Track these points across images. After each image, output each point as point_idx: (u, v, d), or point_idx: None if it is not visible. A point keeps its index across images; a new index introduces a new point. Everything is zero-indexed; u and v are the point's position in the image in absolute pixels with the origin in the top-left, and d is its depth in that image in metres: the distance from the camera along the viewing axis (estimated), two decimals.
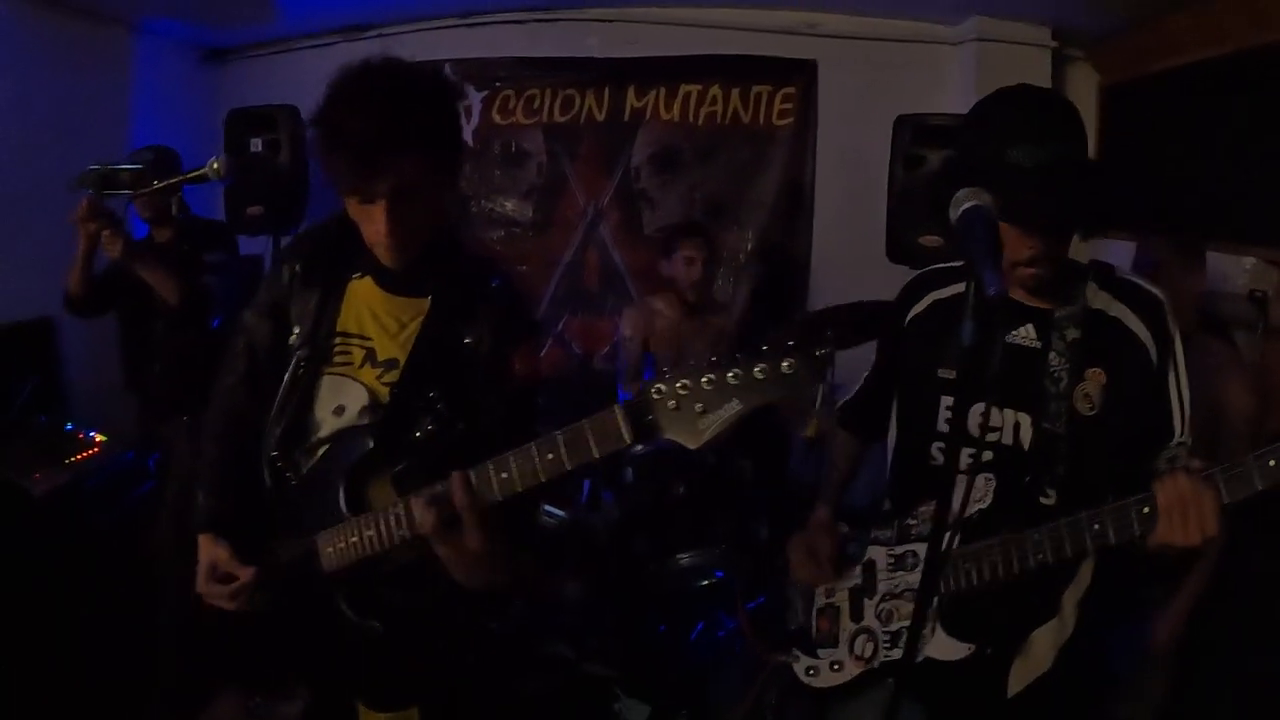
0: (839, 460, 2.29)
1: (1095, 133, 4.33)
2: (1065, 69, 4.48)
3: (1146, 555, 1.57)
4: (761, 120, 4.73)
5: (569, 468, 1.41)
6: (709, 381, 1.28)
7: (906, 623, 1.88)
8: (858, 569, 2.03)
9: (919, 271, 2.09)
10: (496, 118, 4.98)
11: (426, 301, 1.75)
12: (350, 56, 1.58)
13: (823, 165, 4.74)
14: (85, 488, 3.58)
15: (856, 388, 2.24)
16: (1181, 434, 1.77)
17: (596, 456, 1.38)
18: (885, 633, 1.95)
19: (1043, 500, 1.78)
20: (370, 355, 1.76)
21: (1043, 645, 1.86)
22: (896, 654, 1.91)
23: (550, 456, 1.42)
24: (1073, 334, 1.76)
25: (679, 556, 3.35)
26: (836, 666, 2.01)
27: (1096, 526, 1.59)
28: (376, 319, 1.77)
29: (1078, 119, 1.67)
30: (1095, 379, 1.75)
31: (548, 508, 3.54)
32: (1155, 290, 1.81)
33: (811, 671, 2.05)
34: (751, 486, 3.70)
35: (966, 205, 1.27)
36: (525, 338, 1.78)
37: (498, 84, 4.94)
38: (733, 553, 3.34)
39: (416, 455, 1.67)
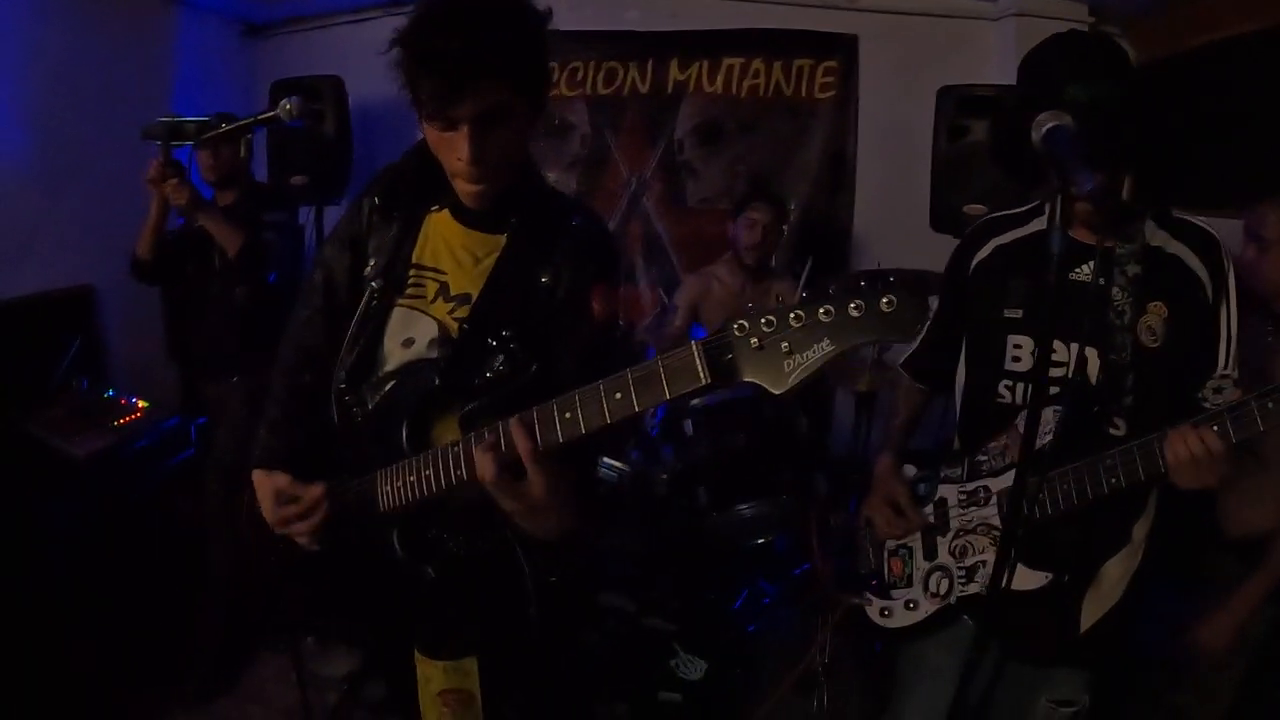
0: (903, 408, 2.33)
1: None
2: None
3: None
4: (804, 93, 4.72)
5: (638, 409, 1.30)
6: (797, 318, 1.17)
7: (982, 557, 1.95)
8: (929, 508, 2.07)
9: (979, 219, 2.15)
10: None
11: (503, 238, 1.71)
12: (391, 31, 1.53)
13: (864, 138, 4.73)
14: (128, 451, 3.54)
15: (919, 338, 2.24)
16: (1226, 366, 1.80)
17: (668, 397, 1.26)
18: (960, 569, 1.98)
19: (1112, 431, 1.82)
20: (444, 289, 1.72)
21: (1114, 575, 1.90)
22: (974, 589, 1.95)
23: (619, 396, 1.31)
24: (1134, 269, 1.81)
25: (740, 507, 3.31)
26: (912, 605, 2.06)
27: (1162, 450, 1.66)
28: (452, 253, 1.74)
29: (1128, 59, 1.74)
30: (1157, 312, 1.80)
31: (606, 460, 3.48)
32: (1208, 226, 1.85)
33: (886, 613, 2.10)
34: (806, 439, 3.65)
35: (1050, 125, 1.35)
36: (604, 278, 1.70)
37: None
38: (793, 504, 3.29)
39: (486, 395, 1.60)
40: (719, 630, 3.24)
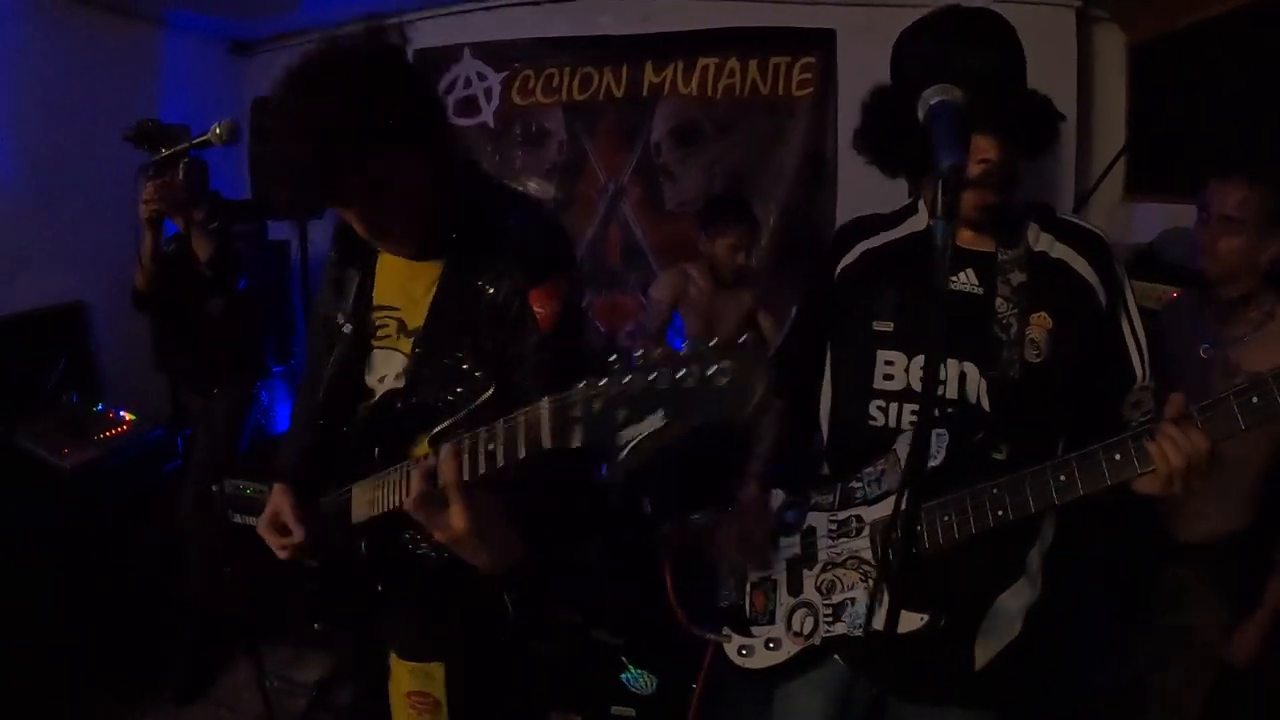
0: (766, 427, 2.13)
1: (1125, 93, 4.26)
2: (1091, 29, 4.37)
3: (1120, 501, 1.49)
4: (781, 91, 4.66)
5: (501, 463, 1.27)
6: (634, 381, 1.07)
7: (851, 594, 1.77)
8: (796, 537, 1.90)
9: (844, 223, 2.00)
10: (516, 98, 5.01)
11: (443, 262, 1.72)
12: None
13: (844, 135, 4.57)
14: (114, 463, 3.67)
15: (777, 344, 2.11)
16: (1144, 377, 1.69)
17: (522, 456, 1.23)
18: (827, 606, 1.81)
19: (995, 455, 1.68)
20: (401, 325, 1.79)
21: (1010, 609, 1.75)
22: (840, 628, 1.76)
23: (490, 449, 1.29)
24: (1018, 278, 1.68)
25: (694, 516, 3.29)
26: (773, 644, 1.88)
27: (1062, 477, 1.49)
28: (402, 288, 1.79)
29: (1014, 32, 1.58)
30: (1041, 324, 1.67)
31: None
32: (1096, 229, 1.74)
33: (744, 651, 1.92)
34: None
35: (937, 99, 1.18)
36: (545, 275, 1.64)
37: (517, 65, 4.97)
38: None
39: (451, 415, 1.57)
40: (668, 644, 3.20)
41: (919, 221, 1.85)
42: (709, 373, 1.03)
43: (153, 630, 3.43)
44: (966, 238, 1.72)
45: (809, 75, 4.62)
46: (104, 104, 4.23)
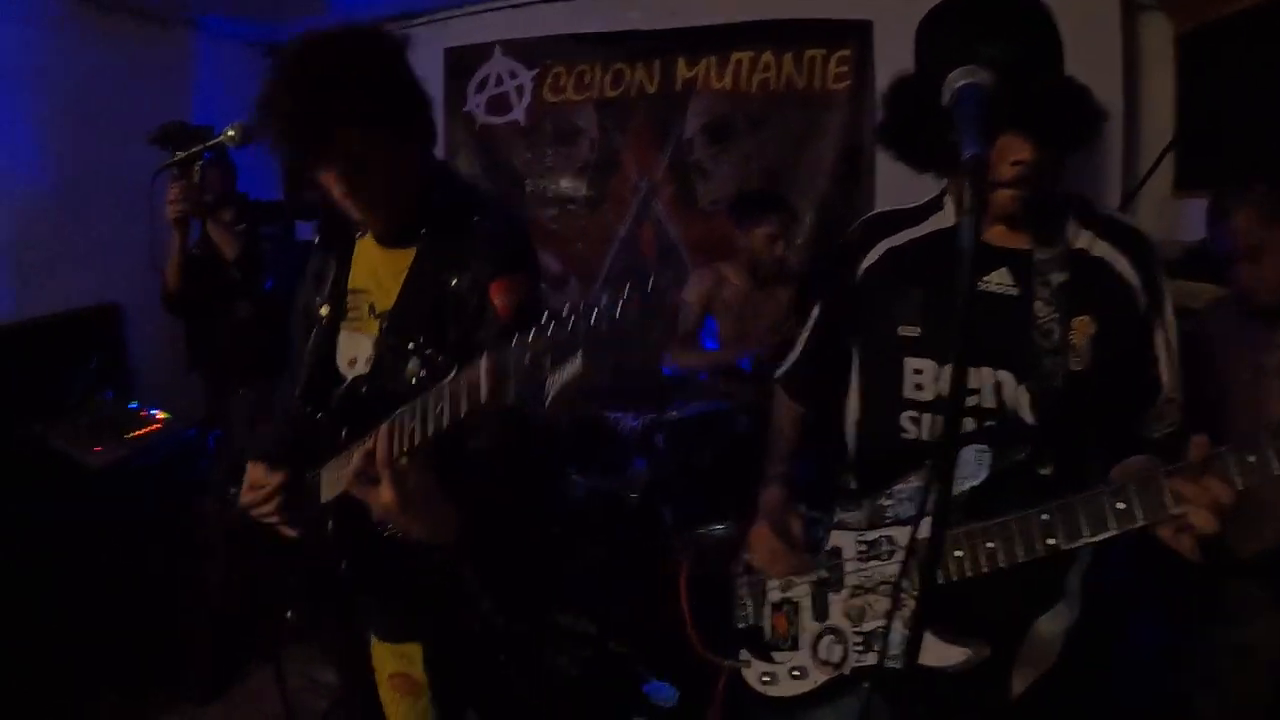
0: (786, 431, 2.03)
1: (1173, 85, 4.10)
2: (1137, 18, 4.21)
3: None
4: (816, 85, 4.54)
5: (446, 424, 1.36)
6: (556, 329, 1.16)
7: (884, 622, 1.66)
8: (822, 556, 1.79)
9: (864, 218, 1.87)
10: (548, 96, 4.99)
11: (414, 251, 1.81)
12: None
13: None
14: (145, 462, 3.70)
15: (797, 350, 2.00)
16: (1169, 389, 1.58)
17: (464, 412, 1.32)
18: (856, 634, 1.71)
19: (1041, 472, 1.58)
20: (371, 308, 1.87)
21: (1047, 634, 1.65)
22: (871, 659, 1.67)
23: (438, 410, 1.37)
24: (1058, 278, 1.56)
25: (710, 528, 3.23)
26: (798, 673, 1.78)
27: (1121, 505, 1.36)
28: (375, 273, 1.88)
29: (1051, 15, 1.46)
30: (1083, 329, 1.55)
31: (576, 475, 3.50)
32: (1138, 225, 1.62)
33: (767, 679, 1.83)
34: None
35: (963, 83, 1.10)
36: (505, 271, 1.69)
37: (548, 62, 4.95)
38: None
39: (410, 400, 1.63)
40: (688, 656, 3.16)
41: (946, 217, 1.72)
42: (615, 312, 1.11)
43: (176, 629, 3.44)
44: (999, 234, 1.60)
45: (845, 68, 4.49)
46: (138, 108, 4.27)
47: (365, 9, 4.69)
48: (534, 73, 4.98)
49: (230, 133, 2.94)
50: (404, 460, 1.48)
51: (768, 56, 4.59)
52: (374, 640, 1.93)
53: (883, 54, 4.46)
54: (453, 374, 1.35)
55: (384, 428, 1.48)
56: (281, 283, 3.69)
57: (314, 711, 3.26)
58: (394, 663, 1.89)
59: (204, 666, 3.45)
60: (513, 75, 5.01)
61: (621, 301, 1.12)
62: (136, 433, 3.83)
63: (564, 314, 1.17)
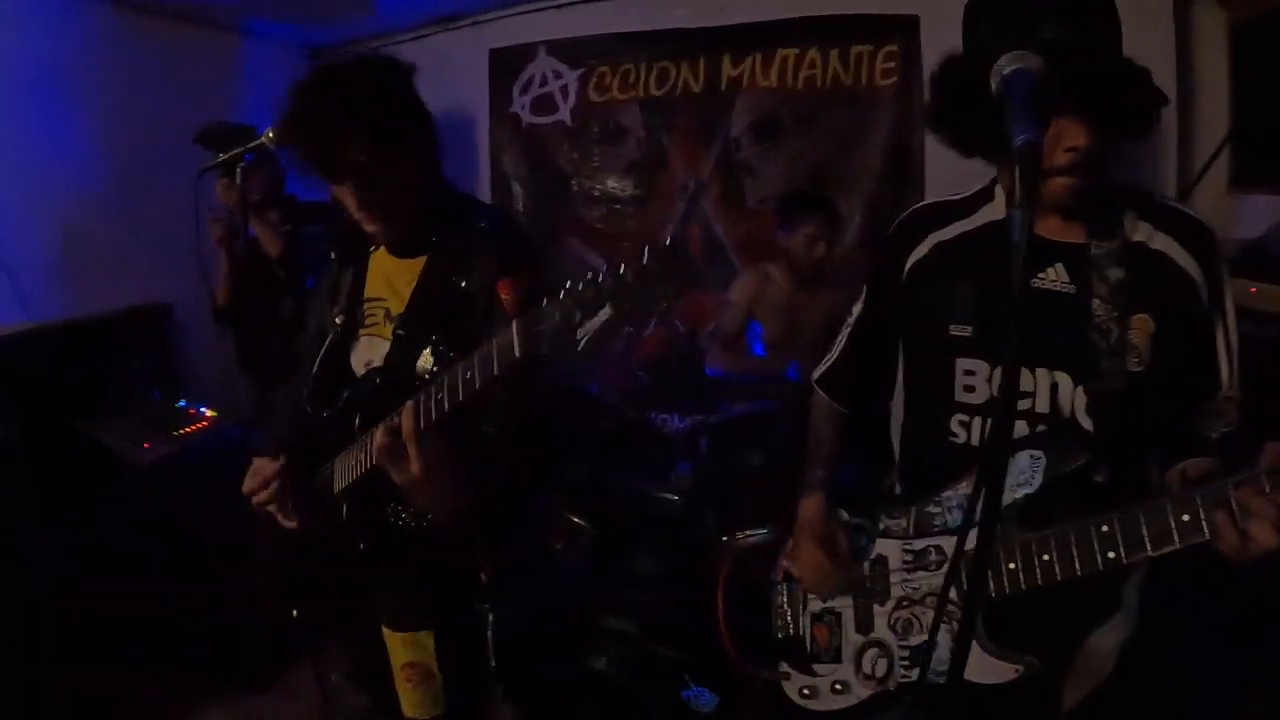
0: (827, 434, 1.93)
1: (1228, 76, 3.99)
2: (1190, 10, 4.09)
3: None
4: (863, 82, 4.46)
5: (478, 386, 1.47)
6: (585, 286, 1.30)
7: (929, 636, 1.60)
8: (864, 566, 1.72)
9: (911, 209, 1.80)
10: (593, 95, 4.97)
11: (424, 258, 1.97)
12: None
13: None
14: (192, 458, 3.74)
15: (838, 347, 1.93)
16: (1228, 386, 1.50)
17: (496, 372, 1.42)
18: (903, 648, 1.65)
19: (1096, 479, 1.51)
20: (387, 313, 2.01)
21: (1102, 647, 1.58)
22: (918, 674, 1.61)
23: (468, 376, 1.48)
24: (1116, 274, 1.49)
25: (748, 533, 3.18)
26: (840, 688, 1.72)
27: (1186, 518, 1.28)
28: (389, 281, 2.03)
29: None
30: (1142, 327, 1.48)
31: (613, 475, 3.48)
32: (1198, 215, 1.53)
33: (807, 693, 1.76)
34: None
35: (1013, 69, 1.03)
36: (513, 270, 1.75)
37: (593, 62, 4.93)
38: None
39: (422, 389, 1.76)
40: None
41: (996, 209, 1.65)
42: (641, 263, 1.26)
43: (222, 621, 3.46)
44: (1054, 228, 1.54)
45: (892, 64, 4.40)
46: (186, 112, 4.34)
47: (410, 12, 4.77)
48: (579, 73, 4.96)
49: (270, 134, 2.97)
50: (427, 434, 1.59)
51: (813, 54, 4.52)
52: (386, 632, 2.00)
53: (930, 49, 4.36)
54: (486, 342, 1.45)
55: (409, 403, 1.59)
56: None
57: (355, 706, 3.26)
58: (406, 652, 1.97)
59: (248, 658, 3.46)
60: (557, 75, 5.00)
61: (644, 255, 1.26)
62: (184, 430, 3.88)
63: (589, 275, 1.30)
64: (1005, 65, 1.04)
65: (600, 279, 1.28)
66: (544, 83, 5.04)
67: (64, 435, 3.69)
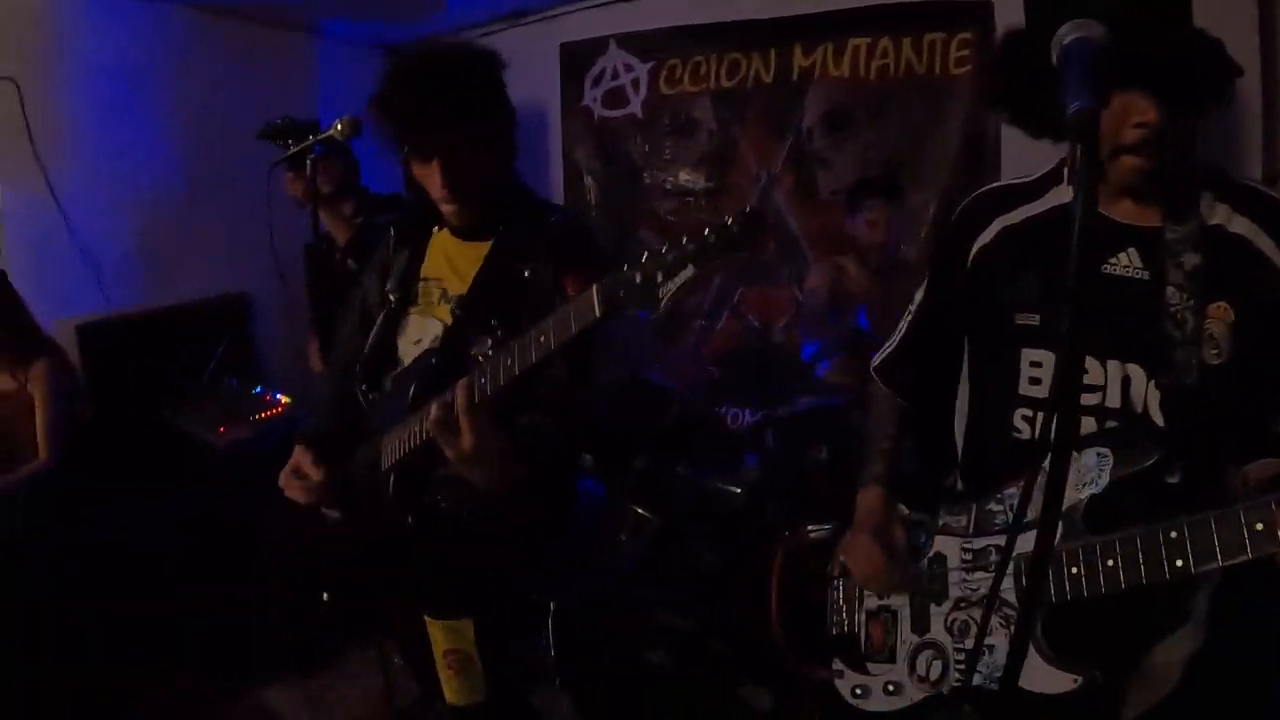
0: (886, 425, 1.88)
1: None
2: None
3: None
4: (937, 70, 4.34)
5: (554, 346, 1.50)
6: (668, 250, 1.36)
7: (989, 639, 1.53)
8: (922, 564, 1.67)
9: (976, 193, 1.74)
10: (664, 88, 4.96)
11: (490, 243, 2.02)
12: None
13: None
14: (267, 443, 3.84)
15: (898, 335, 1.86)
16: None
17: (574, 331, 1.47)
18: (958, 650, 1.59)
19: (1169, 480, 1.42)
20: (444, 294, 2.05)
21: (1168, 660, 1.49)
22: (975, 679, 1.54)
23: (541, 339, 1.52)
24: (1192, 260, 1.40)
25: (810, 528, 3.13)
26: (892, 689, 1.67)
27: (1260, 526, 1.20)
28: (450, 262, 2.07)
29: None
30: (1221, 317, 1.39)
31: (678, 467, 3.46)
32: None
33: (859, 691, 1.72)
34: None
35: (1073, 37, 0.99)
36: (582, 265, 1.80)
37: (663, 54, 4.92)
38: None
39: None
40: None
41: (1064, 192, 1.58)
42: (724, 225, 1.33)
43: (288, 603, 3.53)
44: (1126, 210, 1.46)
45: (966, 52, 4.27)
46: (261, 109, 4.46)
47: (481, 8, 4.82)
48: (649, 65, 4.96)
49: (339, 126, 3.04)
50: (480, 410, 1.64)
51: (885, 42, 4.42)
52: (427, 619, 2.01)
53: None
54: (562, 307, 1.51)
55: (463, 380, 1.64)
56: None
57: (413, 692, 3.30)
58: (446, 639, 1.98)
59: (312, 639, 3.53)
60: (628, 68, 5.01)
61: (728, 220, 1.33)
62: (260, 415, 3.99)
63: (671, 242, 1.37)
64: (1065, 34, 1.00)
65: (684, 242, 1.34)
66: (615, 76, 5.06)
67: (143, 420, 3.82)
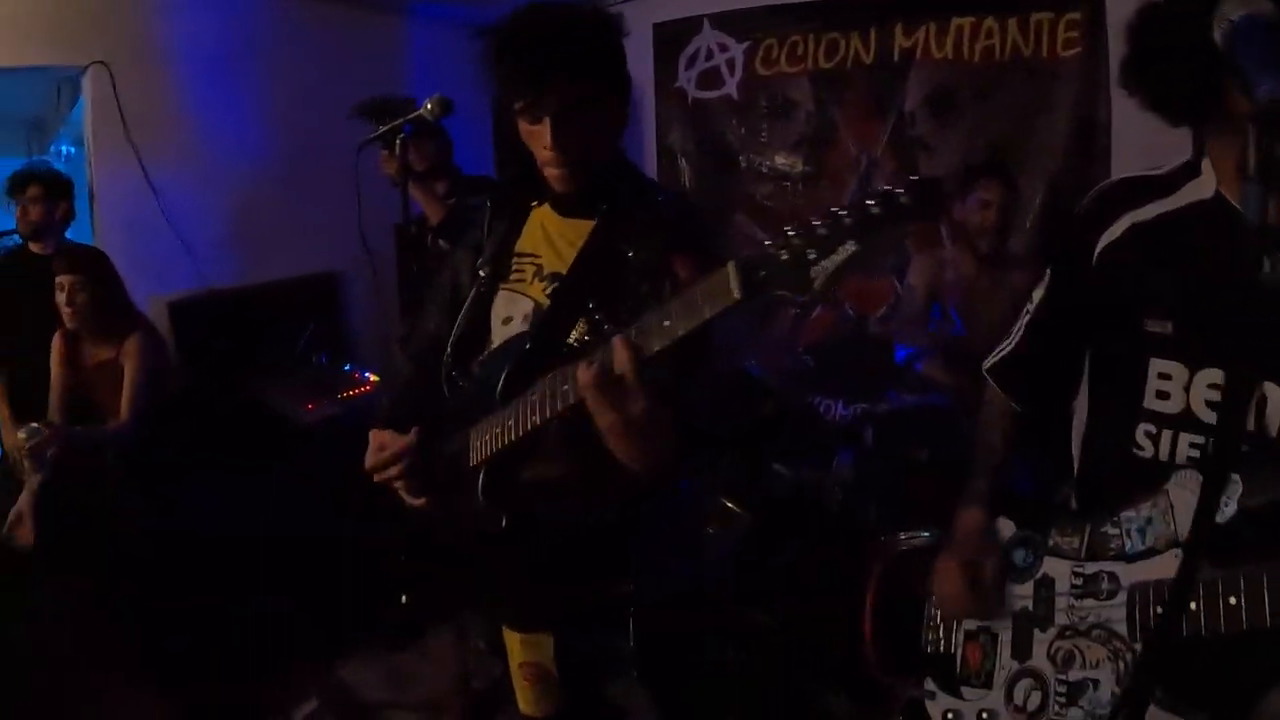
0: (995, 432, 1.77)
1: None
2: None
3: None
4: (1044, 53, 4.17)
5: (681, 333, 1.33)
6: (823, 225, 1.15)
7: (1094, 674, 1.43)
8: (1029, 585, 1.58)
9: (1102, 185, 1.59)
10: (760, 69, 4.86)
11: (594, 221, 1.87)
12: None
13: (1119, 99, 4.07)
14: (354, 420, 3.83)
15: (1015, 336, 1.74)
16: None
17: (706, 317, 1.28)
18: (1060, 682, 1.49)
19: None
20: (539, 271, 1.91)
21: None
22: (1075, 715, 1.44)
23: (666, 324, 1.35)
24: None
25: (909, 535, 3.02)
26: (986, 716, 1.58)
27: None
28: (549, 239, 1.93)
29: None
30: None
31: (776, 465, 3.37)
32: None
33: (951, 716, 1.64)
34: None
35: (1241, 15, 0.91)
36: (691, 249, 1.63)
37: (759, 34, 4.82)
38: None
39: (571, 359, 1.61)
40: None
41: (1203, 187, 1.41)
42: (894, 194, 1.09)
43: (372, 579, 3.55)
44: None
45: (1075, 33, 4.09)
46: (352, 90, 4.51)
47: None
48: (745, 45, 4.86)
49: (429, 105, 3.02)
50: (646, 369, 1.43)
51: (990, 23, 4.27)
52: (505, 630, 1.95)
53: (1116, 16, 3.98)
54: (690, 286, 1.33)
55: (617, 339, 1.41)
56: None
57: (491, 676, 3.28)
58: (523, 651, 1.92)
59: (397, 617, 3.54)
60: (723, 48, 4.92)
61: (895, 186, 1.11)
62: (348, 393, 4.02)
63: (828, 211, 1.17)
64: (1231, 10, 0.91)
65: (842, 213, 1.13)
66: (709, 56, 4.97)
67: (232, 395, 3.87)
